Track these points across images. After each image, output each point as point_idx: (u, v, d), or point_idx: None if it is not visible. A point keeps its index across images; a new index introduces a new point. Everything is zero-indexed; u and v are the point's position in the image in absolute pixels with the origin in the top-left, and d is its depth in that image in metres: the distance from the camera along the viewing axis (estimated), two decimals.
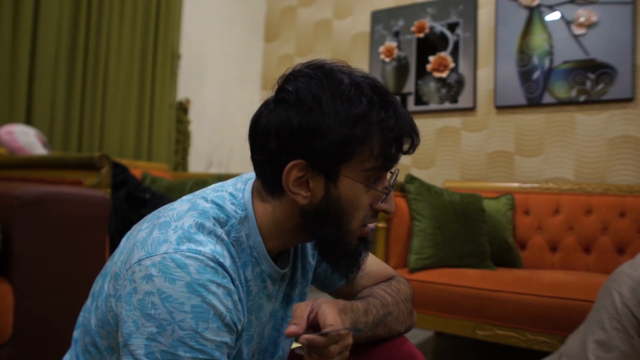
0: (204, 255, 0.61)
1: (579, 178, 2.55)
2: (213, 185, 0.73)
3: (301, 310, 0.67)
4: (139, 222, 0.74)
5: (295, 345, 0.77)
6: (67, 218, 1.31)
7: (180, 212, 0.66)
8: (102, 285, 0.73)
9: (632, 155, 2.44)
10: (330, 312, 0.66)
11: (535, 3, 2.69)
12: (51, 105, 2.36)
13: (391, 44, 3.18)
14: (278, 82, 0.69)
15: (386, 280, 0.89)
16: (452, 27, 2.98)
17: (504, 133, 2.78)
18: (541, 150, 2.66)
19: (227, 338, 0.62)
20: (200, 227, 0.64)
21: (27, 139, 1.97)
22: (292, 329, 0.64)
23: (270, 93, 0.71)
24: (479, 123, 2.87)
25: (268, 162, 0.67)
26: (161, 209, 0.72)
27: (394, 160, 0.68)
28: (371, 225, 0.72)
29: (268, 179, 0.68)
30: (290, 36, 3.68)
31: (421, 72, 3.06)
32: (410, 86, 3.09)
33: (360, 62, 3.33)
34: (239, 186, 0.71)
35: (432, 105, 3.01)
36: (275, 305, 0.77)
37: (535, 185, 2.48)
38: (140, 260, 0.61)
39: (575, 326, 1.34)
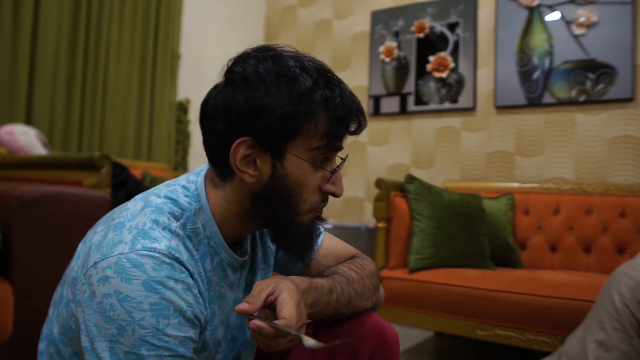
0: (159, 252, 0.61)
1: (579, 178, 2.55)
2: (165, 182, 0.74)
3: (260, 290, 0.66)
4: (94, 225, 0.73)
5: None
6: (67, 218, 1.31)
7: (134, 211, 0.66)
8: (61, 292, 0.72)
9: (632, 155, 2.44)
10: (289, 303, 0.64)
11: (535, 3, 2.69)
12: (51, 105, 2.36)
13: (391, 44, 3.18)
14: (228, 64, 0.70)
15: (350, 258, 0.89)
16: (452, 27, 2.98)
17: (504, 133, 2.78)
18: (541, 150, 2.67)
19: (190, 333, 0.62)
20: (155, 224, 0.64)
21: (27, 139, 1.97)
22: (243, 306, 0.63)
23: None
24: (479, 123, 2.87)
25: (217, 142, 0.68)
26: (115, 210, 0.72)
27: (340, 139, 0.69)
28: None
29: (218, 161, 0.69)
30: (290, 36, 3.68)
31: (421, 72, 3.06)
32: (410, 86, 3.09)
33: (360, 62, 3.33)
34: (191, 178, 0.72)
35: (432, 105, 3.01)
36: (238, 293, 0.77)
37: (535, 185, 2.48)
38: (96, 263, 0.61)
39: (575, 326, 1.34)
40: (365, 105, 3.25)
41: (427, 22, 3.06)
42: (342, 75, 3.37)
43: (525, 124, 2.72)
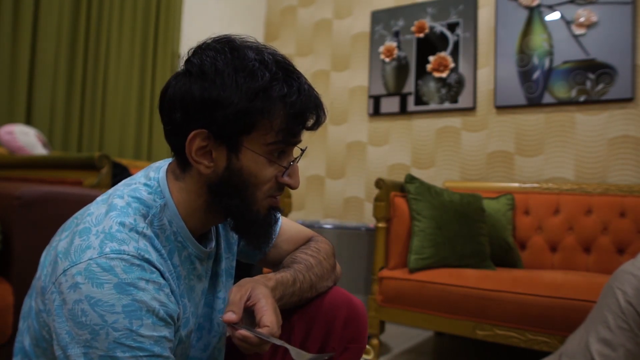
0: (128, 254, 0.61)
1: (579, 178, 2.55)
2: (123, 181, 0.73)
3: (239, 297, 0.68)
4: (57, 233, 0.73)
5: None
6: (67, 218, 1.31)
7: (99, 215, 0.65)
8: (30, 304, 0.72)
9: (632, 155, 2.44)
10: (268, 310, 0.67)
11: (535, 3, 2.69)
12: (51, 105, 2.36)
13: (391, 44, 3.18)
14: (188, 53, 0.69)
15: (305, 242, 0.92)
16: (452, 27, 2.98)
17: (504, 133, 2.78)
18: (541, 150, 2.67)
19: (164, 332, 0.62)
20: (121, 226, 0.63)
21: (27, 139, 1.97)
22: (230, 316, 0.65)
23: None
24: (479, 123, 2.87)
25: (174, 132, 0.68)
26: (77, 215, 0.71)
27: (296, 135, 0.69)
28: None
29: (176, 151, 0.69)
30: (290, 36, 3.68)
31: (421, 72, 3.06)
32: (410, 86, 3.09)
33: (360, 62, 3.33)
34: (152, 175, 0.72)
35: (432, 105, 3.01)
36: (205, 283, 0.78)
37: (535, 185, 2.48)
38: (65, 270, 0.61)
39: (575, 326, 1.34)
40: (365, 105, 3.26)
41: (427, 22, 3.06)
42: (342, 75, 3.38)
43: (525, 124, 2.72)
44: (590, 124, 2.55)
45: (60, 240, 0.67)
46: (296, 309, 0.84)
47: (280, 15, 3.75)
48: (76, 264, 0.60)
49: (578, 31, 2.57)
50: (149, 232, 0.66)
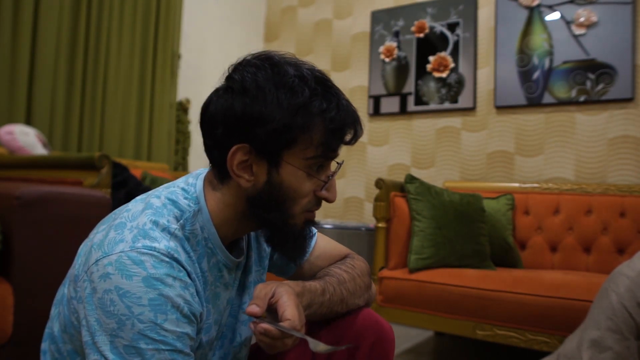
0: (158, 252, 0.63)
1: (579, 178, 2.55)
2: (164, 184, 0.75)
3: (264, 293, 0.69)
4: (96, 226, 0.75)
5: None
6: (67, 218, 1.31)
7: (135, 212, 0.68)
8: (62, 291, 0.74)
9: (632, 155, 2.44)
10: (290, 305, 0.68)
11: (535, 3, 2.69)
12: (51, 105, 2.36)
13: (391, 44, 3.18)
14: (228, 70, 0.71)
15: (341, 259, 0.92)
16: (452, 27, 2.98)
17: (504, 133, 2.78)
18: (541, 150, 2.67)
19: (187, 329, 0.63)
20: (155, 225, 0.66)
21: (27, 139, 1.97)
22: (253, 309, 0.67)
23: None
24: (479, 123, 2.87)
25: (216, 147, 0.70)
26: (116, 210, 0.74)
27: (335, 149, 0.71)
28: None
29: (216, 164, 0.71)
30: (290, 36, 3.68)
31: (421, 72, 3.06)
32: (410, 86, 3.09)
33: (360, 62, 3.33)
34: (190, 181, 0.74)
35: (432, 105, 3.01)
36: (232, 293, 0.79)
37: (535, 185, 2.48)
38: (97, 260, 0.63)
39: (575, 326, 1.34)
40: (365, 105, 3.26)
41: (427, 22, 3.06)
42: (342, 75, 3.38)
43: (525, 124, 2.72)
44: (590, 124, 2.55)
45: (97, 233, 0.69)
46: (324, 326, 0.83)
47: (280, 15, 3.75)
48: (108, 255, 0.62)
49: (578, 31, 2.57)
50: (180, 234, 0.67)
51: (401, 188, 2.16)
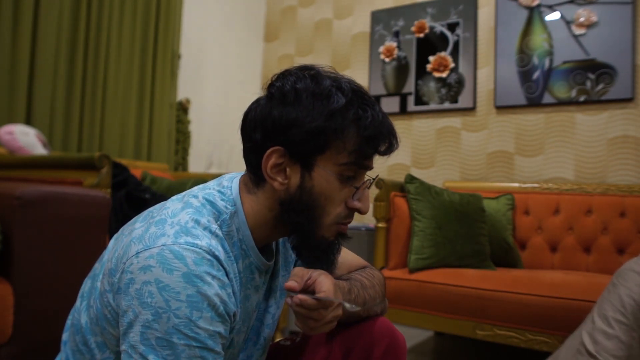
0: (200, 248, 0.64)
1: (579, 178, 2.55)
2: (198, 186, 0.77)
3: (302, 273, 0.72)
4: (130, 223, 0.76)
5: (278, 339, 0.81)
6: (67, 218, 1.31)
7: (175, 210, 0.69)
8: (92, 285, 0.75)
9: (632, 155, 2.44)
10: (326, 281, 0.71)
11: (535, 3, 2.69)
12: (51, 105, 2.36)
13: (391, 44, 3.18)
14: (271, 79, 0.75)
15: (360, 268, 0.94)
16: (452, 27, 2.98)
17: (504, 133, 2.78)
18: (541, 150, 2.67)
19: (220, 328, 0.65)
20: (196, 223, 0.67)
21: (27, 139, 1.97)
22: (291, 284, 0.70)
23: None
24: (479, 123, 2.87)
25: (253, 150, 0.73)
26: (153, 209, 0.75)
27: (368, 157, 0.72)
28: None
29: (253, 168, 0.74)
30: (290, 36, 3.68)
31: (421, 72, 3.06)
32: (410, 86, 3.09)
33: (360, 62, 3.33)
34: (225, 183, 0.76)
35: (432, 105, 3.01)
36: (260, 296, 0.80)
37: (535, 185, 2.48)
38: (138, 252, 0.64)
39: (575, 326, 1.34)
40: None
41: (427, 22, 3.06)
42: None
43: (525, 124, 2.72)
44: (590, 124, 2.55)
45: (135, 229, 0.70)
46: (340, 330, 0.85)
47: (280, 15, 3.75)
48: (150, 248, 0.64)
49: (578, 31, 2.57)
50: (220, 233, 0.69)
51: (401, 188, 2.16)
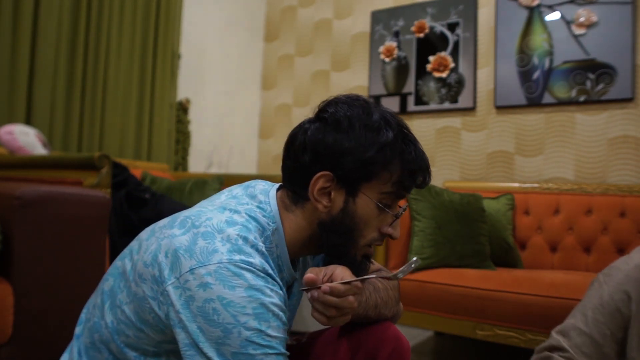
0: (254, 267, 0.67)
1: (579, 178, 2.55)
2: (231, 199, 0.78)
3: (316, 271, 0.74)
4: (163, 225, 0.75)
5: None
6: (67, 218, 1.31)
7: (219, 223, 0.71)
8: (116, 284, 0.76)
9: (632, 155, 2.44)
10: (347, 271, 0.74)
11: (535, 3, 2.69)
12: (51, 105, 2.36)
13: (391, 44, 3.18)
14: (321, 104, 0.79)
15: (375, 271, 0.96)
16: (452, 27, 2.98)
17: (504, 133, 2.78)
18: (541, 150, 2.67)
19: (284, 334, 0.69)
20: (245, 241, 0.70)
21: (27, 139, 1.97)
22: (311, 276, 0.72)
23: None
24: (479, 123, 2.87)
25: (300, 171, 0.76)
26: (189, 214, 0.75)
27: (408, 189, 0.78)
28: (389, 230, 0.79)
29: (295, 187, 0.77)
30: (290, 36, 3.68)
31: (421, 72, 3.06)
32: (410, 86, 3.09)
33: (360, 62, 3.33)
34: (261, 198, 0.78)
35: (432, 105, 3.01)
36: None
37: (535, 185, 2.48)
38: (192, 269, 0.66)
39: None
40: None
41: (427, 22, 3.06)
42: (342, 75, 3.38)
43: (525, 124, 2.72)
44: (590, 124, 2.55)
45: (175, 236, 0.70)
46: (348, 330, 0.86)
47: (280, 15, 3.74)
48: (205, 265, 0.66)
49: (578, 31, 2.57)
50: (265, 251, 0.72)
51: None
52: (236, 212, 0.73)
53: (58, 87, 2.38)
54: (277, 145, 3.66)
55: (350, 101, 0.77)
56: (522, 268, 2.22)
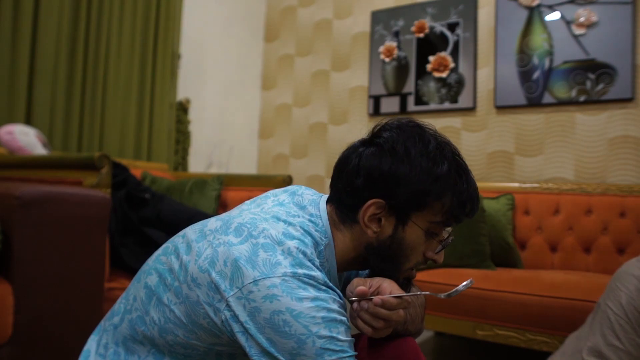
0: (316, 280, 0.69)
1: (579, 178, 2.55)
2: (279, 206, 0.78)
3: (364, 281, 0.76)
4: (216, 229, 0.75)
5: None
6: (67, 218, 1.31)
7: (277, 235, 0.71)
8: (161, 281, 0.75)
9: (632, 155, 2.44)
10: (395, 285, 0.75)
11: (535, 3, 2.69)
12: (51, 105, 2.36)
13: (391, 44, 3.18)
14: (376, 127, 0.79)
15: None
16: (452, 27, 2.98)
17: (504, 133, 2.78)
18: (541, 150, 2.67)
19: (350, 337, 0.70)
20: (304, 255, 0.71)
21: (27, 139, 1.97)
22: (362, 288, 0.73)
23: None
24: (479, 123, 2.87)
25: (351, 194, 0.76)
26: (246, 223, 0.74)
27: (458, 220, 0.78)
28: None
29: (345, 208, 0.78)
30: (290, 36, 3.68)
31: (421, 72, 3.06)
32: (410, 86, 3.09)
33: (360, 62, 3.33)
34: (312, 211, 0.78)
35: (432, 105, 3.01)
36: None
37: (535, 185, 2.48)
38: (256, 280, 0.67)
39: (576, 326, 1.34)
40: (365, 105, 3.26)
41: (427, 22, 3.06)
42: (342, 75, 3.38)
43: (525, 124, 2.72)
44: (590, 124, 2.55)
45: (233, 244, 0.70)
46: (368, 341, 0.87)
47: (280, 15, 3.74)
48: (269, 277, 0.67)
49: (578, 31, 2.57)
50: (319, 265, 0.73)
51: None
52: (291, 224, 0.74)
53: (58, 87, 2.38)
54: (277, 145, 3.66)
55: (405, 127, 0.77)
56: (522, 268, 2.22)
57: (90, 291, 1.37)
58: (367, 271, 0.91)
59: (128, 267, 1.67)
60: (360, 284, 0.75)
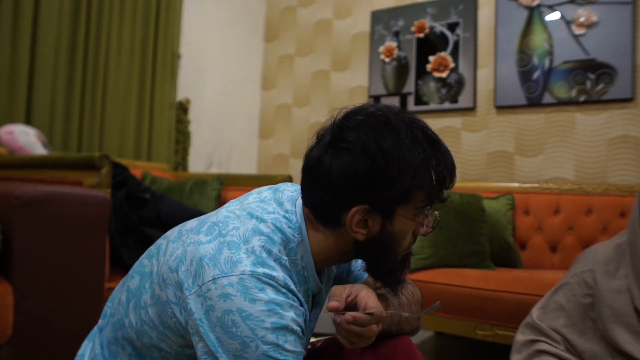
0: (276, 281, 0.67)
1: (579, 178, 2.55)
2: (259, 202, 0.76)
3: (341, 291, 0.74)
4: (192, 229, 0.75)
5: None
6: (67, 218, 1.31)
7: (246, 232, 0.70)
8: (142, 284, 0.76)
9: (632, 155, 2.44)
10: (371, 296, 0.73)
11: (535, 3, 2.69)
12: (51, 105, 2.36)
13: (391, 44, 3.18)
14: (334, 128, 0.73)
15: None
16: (452, 27, 2.98)
17: (504, 133, 2.78)
18: (541, 150, 2.67)
19: (301, 349, 0.69)
20: (269, 253, 0.69)
21: (27, 139, 1.97)
22: (334, 304, 0.72)
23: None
24: (479, 123, 2.87)
25: (328, 201, 0.72)
26: (217, 220, 0.73)
27: (440, 196, 0.76)
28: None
29: (322, 213, 0.74)
30: (290, 36, 3.68)
31: (421, 72, 3.06)
32: (410, 86, 3.09)
33: (360, 62, 3.33)
34: (287, 207, 0.76)
35: (432, 105, 3.01)
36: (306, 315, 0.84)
37: (535, 185, 2.48)
38: (215, 278, 0.66)
39: None
40: None
41: (427, 22, 3.06)
42: (342, 75, 3.38)
43: (525, 124, 2.72)
44: (590, 124, 2.55)
45: (201, 242, 0.70)
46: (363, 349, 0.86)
47: (280, 15, 3.74)
48: (227, 275, 0.65)
49: (578, 31, 2.57)
50: (288, 265, 0.72)
51: None
52: (262, 220, 0.72)
53: (58, 87, 2.38)
54: (277, 145, 3.66)
55: (368, 121, 0.71)
56: (522, 268, 2.22)
57: (90, 291, 1.37)
58: (361, 261, 0.89)
59: (128, 267, 1.67)
60: (337, 294, 0.74)
